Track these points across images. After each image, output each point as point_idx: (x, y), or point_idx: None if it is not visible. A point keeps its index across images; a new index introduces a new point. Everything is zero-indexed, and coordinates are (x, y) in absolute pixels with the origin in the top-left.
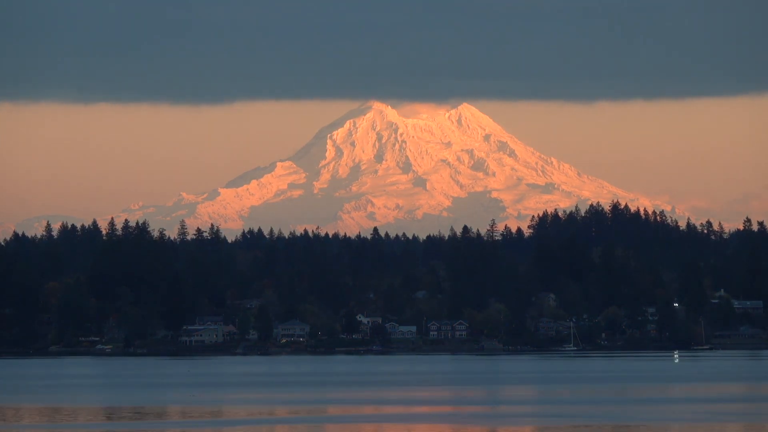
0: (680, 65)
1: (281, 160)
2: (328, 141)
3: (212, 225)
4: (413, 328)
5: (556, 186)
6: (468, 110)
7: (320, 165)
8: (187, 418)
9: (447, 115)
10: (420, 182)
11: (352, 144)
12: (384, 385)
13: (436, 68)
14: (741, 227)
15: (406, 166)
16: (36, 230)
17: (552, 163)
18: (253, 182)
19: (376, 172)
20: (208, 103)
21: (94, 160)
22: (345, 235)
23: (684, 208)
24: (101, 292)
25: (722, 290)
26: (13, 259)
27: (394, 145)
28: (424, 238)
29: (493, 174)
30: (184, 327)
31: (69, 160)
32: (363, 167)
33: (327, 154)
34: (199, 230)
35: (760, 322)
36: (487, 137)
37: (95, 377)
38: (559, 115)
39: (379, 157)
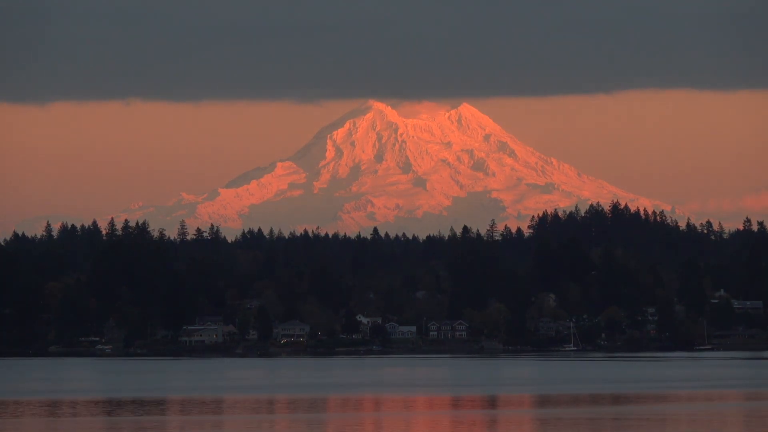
0: (682, 58)
1: (281, 160)
2: (328, 141)
3: (212, 225)
4: (413, 328)
5: (556, 186)
6: (468, 110)
7: (320, 165)
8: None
9: (447, 115)
10: (420, 182)
11: (352, 144)
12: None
13: (436, 68)
14: (741, 227)
15: (406, 166)
16: (36, 230)
17: (552, 163)
18: (253, 182)
19: (376, 172)
20: (208, 103)
21: (94, 160)
22: (345, 235)
23: (684, 208)
24: (101, 292)
25: (722, 290)
26: (13, 259)
27: (394, 145)
28: (424, 238)
29: (493, 174)
30: (184, 327)
31: (69, 160)
32: (363, 167)
33: (327, 154)
34: (199, 230)
35: (760, 322)
36: (487, 137)
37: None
38: (559, 113)
39: (379, 157)
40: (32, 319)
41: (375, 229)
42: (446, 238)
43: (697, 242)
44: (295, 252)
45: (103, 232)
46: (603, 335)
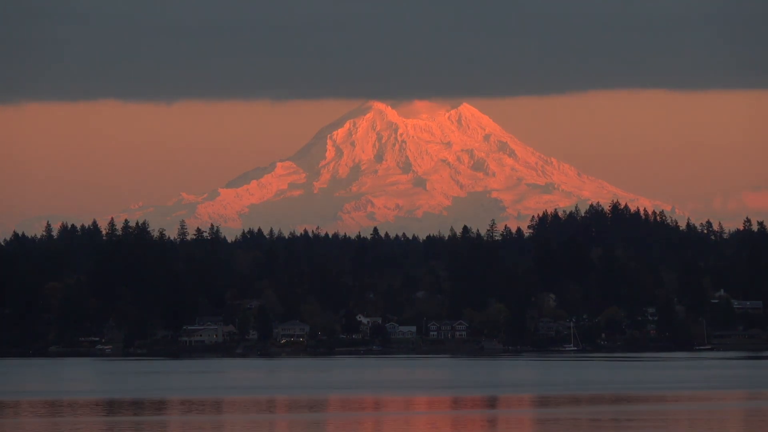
0: (682, 57)
1: (281, 160)
2: (328, 141)
3: (212, 225)
4: (413, 328)
5: (556, 186)
6: (468, 110)
7: (320, 165)
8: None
9: (447, 115)
10: (420, 182)
11: (352, 144)
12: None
13: (436, 68)
14: (741, 227)
15: (406, 166)
16: (36, 230)
17: (552, 163)
18: (253, 182)
19: (376, 172)
20: (208, 103)
21: (94, 160)
22: (345, 235)
23: (684, 208)
24: (101, 292)
25: (722, 290)
26: (13, 259)
27: (394, 145)
28: (424, 238)
29: (493, 174)
30: (184, 327)
31: (68, 160)
32: (363, 167)
33: (327, 154)
34: (199, 230)
35: (760, 322)
36: (487, 137)
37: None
38: (559, 113)
39: (379, 157)
40: (32, 319)
41: (375, 229)
42: (446, 238)
43: (697, 242)
44: (295, 252)
45: (103, 232)
46: (603, 335)
